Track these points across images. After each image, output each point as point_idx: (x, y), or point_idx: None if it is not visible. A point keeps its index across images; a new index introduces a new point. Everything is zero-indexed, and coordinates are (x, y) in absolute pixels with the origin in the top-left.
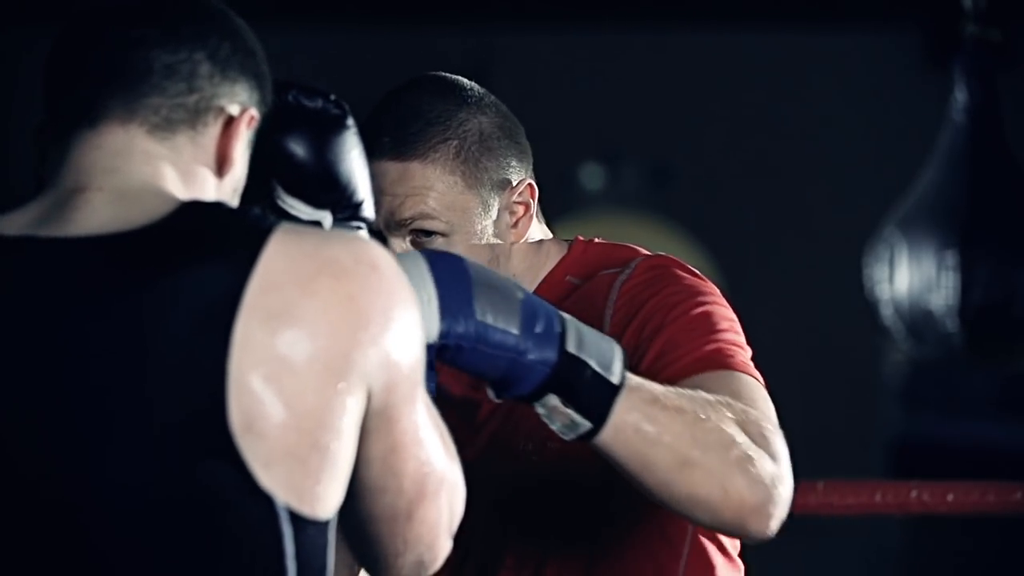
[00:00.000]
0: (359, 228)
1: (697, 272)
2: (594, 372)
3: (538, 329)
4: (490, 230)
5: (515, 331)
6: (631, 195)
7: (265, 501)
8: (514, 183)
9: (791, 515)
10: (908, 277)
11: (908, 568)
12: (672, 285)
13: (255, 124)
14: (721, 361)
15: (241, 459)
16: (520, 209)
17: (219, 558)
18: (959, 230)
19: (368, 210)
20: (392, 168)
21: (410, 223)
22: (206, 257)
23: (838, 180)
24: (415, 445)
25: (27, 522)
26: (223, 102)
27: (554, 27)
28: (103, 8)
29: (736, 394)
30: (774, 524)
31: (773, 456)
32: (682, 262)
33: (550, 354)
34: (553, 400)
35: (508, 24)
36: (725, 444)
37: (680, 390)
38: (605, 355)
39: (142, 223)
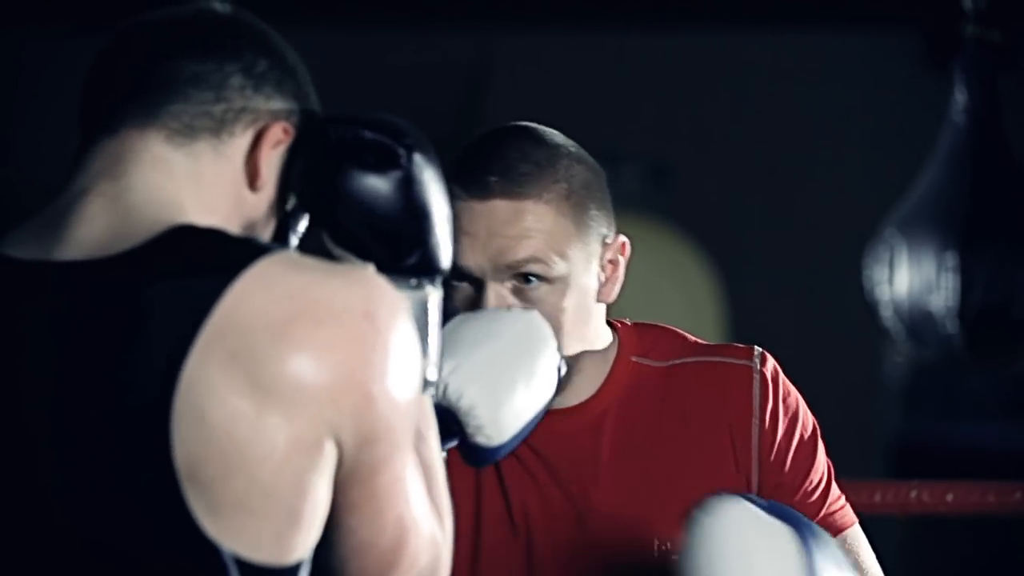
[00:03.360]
0: (417, 286)
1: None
2: None
3: None
4: (590, 283)
5: None
6: (631, 195)
7: (211, 549)
8: (611, 238)
9: None
10: (908, 278)
11: (908, 568)
12: (799, 414)
13: (290, 139)
14: (841, 523)
15: (186, 505)
16: (609, 268)
17: None
18: (959, 231)
19: (436, 264)
20: (502, 207)
21: (520, 266)
22: (182, 274)
23: (838, 180)
24: (395, 501)
25: None
26: (253, 116)
27: (554, 27)
28: (140, 23)
29: (856, 554)
30: None
31: None
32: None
33: None
34: None
35: (508, 24)
36: None
37: None
38: None
39: (133, 244)
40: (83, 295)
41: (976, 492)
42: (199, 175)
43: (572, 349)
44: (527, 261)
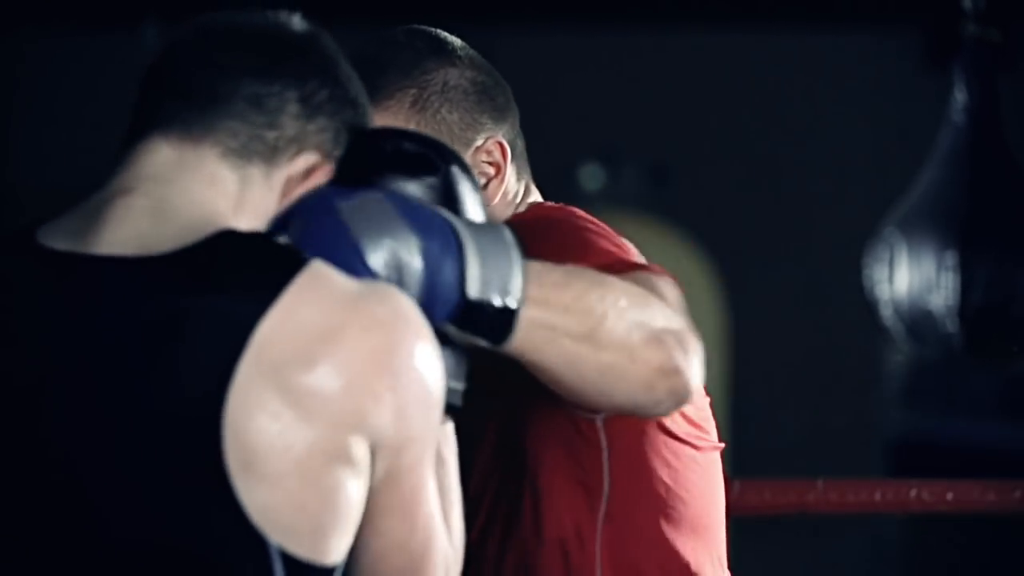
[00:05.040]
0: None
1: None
2: (497, 308)
3: (438, 277)
4: None
5: (414, 289)
6: (631, 195)
7: (258, 541)
8: (480, 141)
9: (791, 514)
10: (908, 277)
11: (908, 567)
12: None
13: (329, 174)
14: (616, 270)
15: (236, 498)
16: (491, 170)
17: None
18: (959, 230)
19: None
20: None
21: None
22: (225, 290)
23: (838, 180)
24: (421, 504)
25: (29, 548)
26: (301, 147)
27: (554, 27)
28: (219, 25)
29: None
30: (692, 391)
31: (681, 321)
32: (562, 215)
33: (451, 299)
34: (452, 329)
35: (508, 24)
36: (624, 316)
37: (568, 268)
38: (504, 276)
39: (173, 247)
40: (124, 292)
41: (976, 491)
42: (247, 199)
43: None
44: None
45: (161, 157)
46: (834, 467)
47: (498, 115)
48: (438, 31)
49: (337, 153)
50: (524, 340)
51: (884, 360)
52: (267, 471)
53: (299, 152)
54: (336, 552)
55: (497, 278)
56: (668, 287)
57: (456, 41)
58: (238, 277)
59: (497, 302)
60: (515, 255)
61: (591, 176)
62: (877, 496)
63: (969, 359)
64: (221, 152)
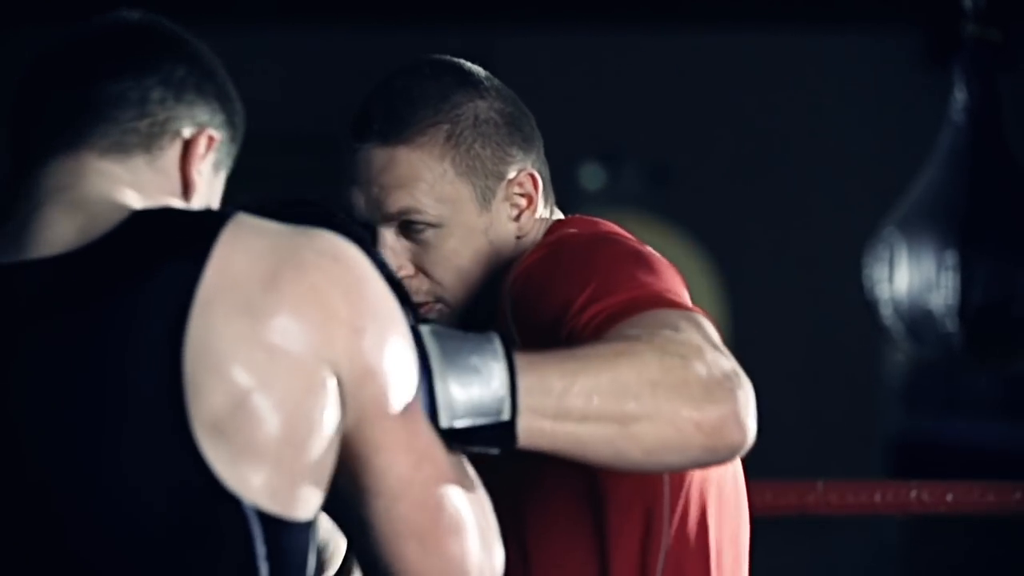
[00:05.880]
0: None
1: (611, 235)
2: (482, 426)
3: None
4: (491, 222)
5: None
6: (631, 195)
7: (230, 501)
8: (513, 174)
9: (791, 515)
10: (908, 277)
11: (908, 568)
12: (567, 270)
13: (217, 145)
14: (634, 307)
15: (203, 459)
16: (523, 201)
17: (187, 560)
18: (959, 230)
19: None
20: (378, 155)
21: (397, 216)
22: (158, 258)
23: (838, 180)
24: (407, 445)
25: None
26: (178, 125)
27: (554, 27)
28: (58, 48)
29: (657, 326)
30: (748, 429)
31: (709, 363)
32: (587, 231)
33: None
34: (455, 444)
35: (508, 24)
36: (651, 382)
37: (576, 351)
38: (487, 398)
39: (97, 235)
40: (66, 285)
41: (976, 492)
42: (141, 185)
43: (477, 289)
44: (402, 211)
45: (56, 174)
46: (834, 467)
47: (527, 145)
48: (462, 62)
49: (219, 120)
50: (538, 442)
51: (884, 360)
52: (233, 427)
53: (178, 133)
54: (310, 506)
55: (479, 403)
56: (700, 323)
57: (481, 71)
58: (169, 243)
59: (483, 422)
60: (501, 367)
61: (591, 176)
62: (877, 497)
63: (969, 359)
64: (98, 153)
